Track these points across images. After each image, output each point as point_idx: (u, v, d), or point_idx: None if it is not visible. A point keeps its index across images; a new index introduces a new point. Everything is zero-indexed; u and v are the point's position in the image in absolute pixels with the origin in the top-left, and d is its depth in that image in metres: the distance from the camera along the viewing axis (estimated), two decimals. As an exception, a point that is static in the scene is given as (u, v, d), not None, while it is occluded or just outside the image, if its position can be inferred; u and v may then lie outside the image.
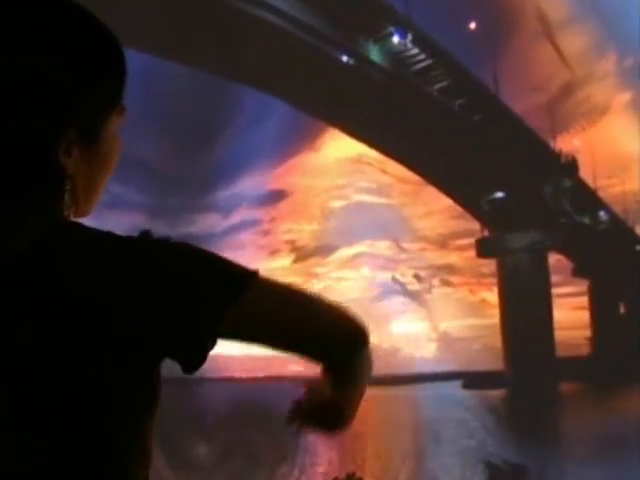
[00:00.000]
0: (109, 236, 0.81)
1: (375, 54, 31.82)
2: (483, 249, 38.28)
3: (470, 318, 46.94)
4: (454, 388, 35.54)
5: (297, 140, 44.53)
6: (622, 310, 52.19)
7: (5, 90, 0.80)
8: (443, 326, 45.82)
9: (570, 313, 53.38)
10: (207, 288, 0.80)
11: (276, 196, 49.67)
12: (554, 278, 46.36)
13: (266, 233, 51.32)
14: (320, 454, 15.80)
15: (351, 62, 30.79)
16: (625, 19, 39.87)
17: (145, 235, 0.82)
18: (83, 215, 0.90)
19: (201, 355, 0.81)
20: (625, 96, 43.94)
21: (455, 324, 46.33)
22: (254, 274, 0.82)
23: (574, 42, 43.96)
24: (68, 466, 0.75)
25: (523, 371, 34.88)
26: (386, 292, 45.85)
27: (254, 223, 52.64)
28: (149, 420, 0.82)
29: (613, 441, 15.40)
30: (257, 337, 0.85)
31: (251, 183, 49.69)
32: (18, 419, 0.73)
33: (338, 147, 44.24)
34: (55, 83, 0.82)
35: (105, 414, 0.77)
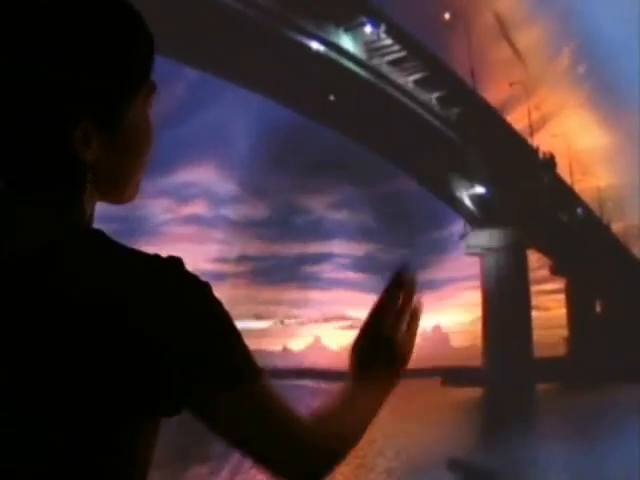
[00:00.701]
0: (133, 251, 0.80)
1: (347, 43, 30.83)
2: (467, 246, 37.59)
3: (452, 315, 46.49)
4: (433, 384, 35.09)
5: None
6: (598, 309, 51.98)
7: (11, 80, 0.78)
8: (423, 322, 45.07)
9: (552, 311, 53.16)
10: (217, 362, 0.79)
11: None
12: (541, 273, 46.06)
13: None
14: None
15: (321, 50, 29.76)
16: (580, 17, 39.61)
17: (174, 262, 0.80)
18: (124, 202, 0.90)
19: (171, 408, 0.80)
20: (581, 94, 43.40)
21: (436, 320, 45.84)
22: (260, 374, 0.83)
23: (530, 40, 43.60)
24: (66, 466, 0.75)
25: (501, 369, 34.22)
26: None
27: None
28: (148, 425, 0.81)
29: (589, 439, 15.20)
30: (221, 431, 0.83)
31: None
32: (17, 420, 0.74)
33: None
34: (62, 71, 0.79)
35: (102, 418, 0.76)
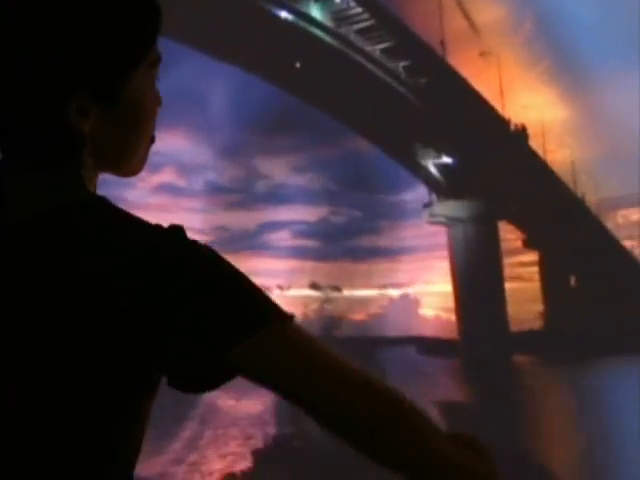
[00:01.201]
0: (134, 220, 0.78)
1: (316, 11, 30.69)
2: (431, 214, 37.47)
3: (426, 284, 46.37)
4: (409, 352, 35.25)
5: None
6: (573, 282, 52.29)
7: (2, 48, 0.76)
8: (398, 291, 44.96)
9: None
10: (231, 311, 0.76)
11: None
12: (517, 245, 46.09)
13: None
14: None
15: (290, 18, 29.62)
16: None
17: (177, 230, 0.79)
18: (129, 175, 0.89)
19: (199, 376, 0.77)
20: (541, 66, 43.29)
21: (411, 289, 45.70)
22: (288, 317, 0.78)
23: (488, 12, 43.42)
24: (54, 454, 0.73)
25: (475, 341, 34.34)
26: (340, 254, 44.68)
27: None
28: (139, 411, 0.79)
29: (566, 413, 15.34)
30: (271, 384, 0.79)
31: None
32: (7, 403, 0.72)
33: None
34: (56, 40, 0.76)
35: (94, 403, 0.74)
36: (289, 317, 0.76)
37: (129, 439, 0.76)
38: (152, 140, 0.88)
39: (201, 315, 0.73)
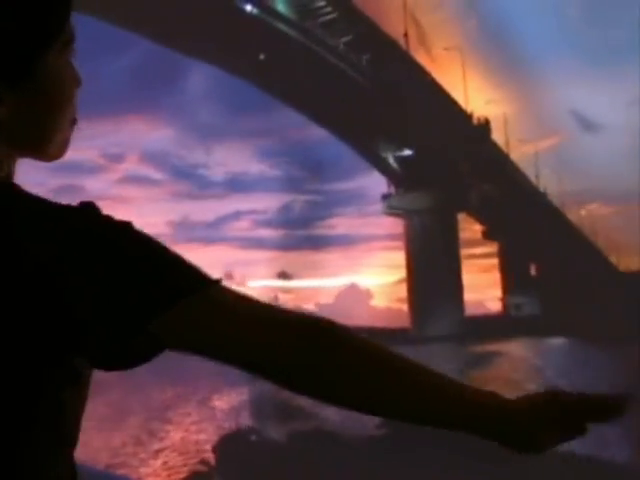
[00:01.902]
0: (44, 202, 0.73)
1: (280, 5, 31.10)
2: (389, 206, 38.01)
3: (373, 275, 46.92)
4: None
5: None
6: (533, 272, 53.37)
7: None
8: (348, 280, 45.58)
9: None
10: (150, 279, 0.71)
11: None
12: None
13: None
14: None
15: (255, 12, 30.00)
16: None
17: (89, 207, 0.74)
18: (50, 159, 0.83)
19: (125, 351, 0.72)
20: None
21: (359, 279, 46.20)
22: (212, 281, 0.73)
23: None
24: None
25: (429, 330, 35.07)
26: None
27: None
28: (62, 400, 0.73)
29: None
30: (205, 351, 0.74)
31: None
32: None
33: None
34: None
35: (11, 388, 0.70)
36: (213, 281, 0.72)
37: (56, 429, 0.72)
38: (73, 122, 0.84)
39: (117, 284, 0.69)
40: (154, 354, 0.73)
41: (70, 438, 0.74)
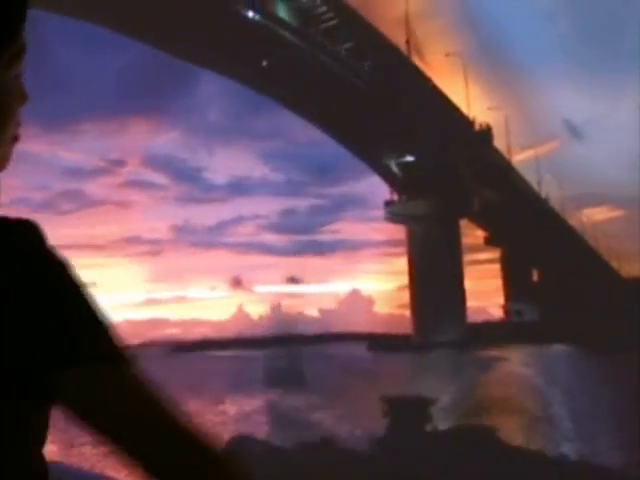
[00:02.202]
0: None
1: (282, 11, 31.23)
2: (391, 213, 38.03)
3: (374, 281, 46.84)
4: (360, 349, 35.62)
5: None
6: (535, 278, 53.38)
7: None
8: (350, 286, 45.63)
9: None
10: (72, 330, 0.69)
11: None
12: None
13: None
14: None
15: (257, 18, 30.14)
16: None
17: (31, 227, 0.71)
18: None
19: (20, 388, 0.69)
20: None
21: (361, 285, 46.16)
22: (124, 359, 0.70)
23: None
24: None
25: (431, 336, 35.10)
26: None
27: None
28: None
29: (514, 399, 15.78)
30: (92, 420, 0.70)
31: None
32: None
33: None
34: None
35: None
36: (125, 360, 0.70)
37: (27, 429, 0.72)
38: (15, 139, 0.81)
39: (32, 323, 0.67)
40: (48, 402, 0.70)
41: (40, 437, 0.74)
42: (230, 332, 44.41)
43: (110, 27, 29.91)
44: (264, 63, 30.41)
